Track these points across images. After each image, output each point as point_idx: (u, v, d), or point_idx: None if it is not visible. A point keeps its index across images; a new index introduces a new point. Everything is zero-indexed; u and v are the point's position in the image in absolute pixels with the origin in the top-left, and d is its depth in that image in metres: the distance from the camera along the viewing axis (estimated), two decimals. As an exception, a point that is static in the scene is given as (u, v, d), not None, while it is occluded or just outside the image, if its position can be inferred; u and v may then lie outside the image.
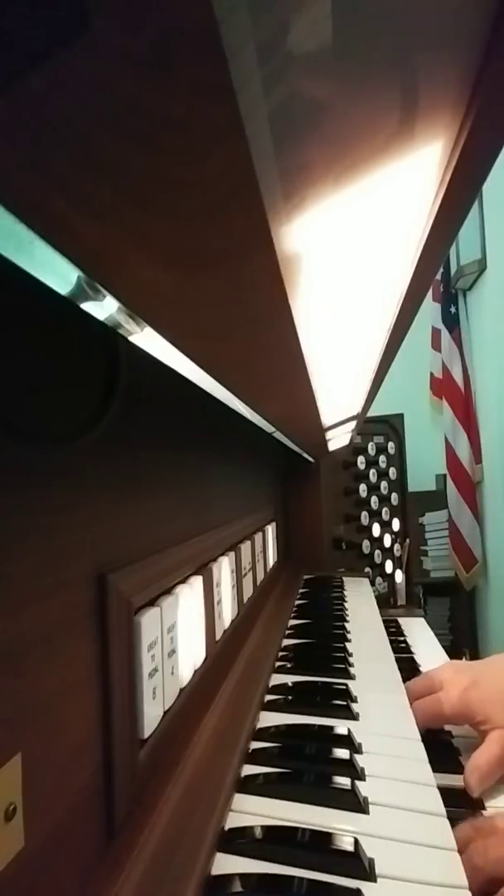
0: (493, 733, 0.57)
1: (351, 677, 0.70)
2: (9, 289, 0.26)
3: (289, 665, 0.74)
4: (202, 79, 0.11)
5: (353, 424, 1.04)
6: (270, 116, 0.13)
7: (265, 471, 1.15)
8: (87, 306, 0.19)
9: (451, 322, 2.41)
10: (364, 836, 0.39)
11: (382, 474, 1.73)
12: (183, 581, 0.50)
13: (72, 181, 0.13)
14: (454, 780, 0.55)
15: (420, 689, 0.65)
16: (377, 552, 1.67)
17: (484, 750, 0.55)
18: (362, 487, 1.62)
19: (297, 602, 1.09)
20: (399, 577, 1.65)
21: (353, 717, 0.58)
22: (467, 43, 0.17)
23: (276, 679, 0.69)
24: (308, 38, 0.12)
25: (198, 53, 0.10)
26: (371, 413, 1.22)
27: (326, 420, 0.78)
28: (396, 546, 1.75)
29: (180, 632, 0.47)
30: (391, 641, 0.88)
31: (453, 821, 0.42)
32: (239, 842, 0.39)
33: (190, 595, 0.50)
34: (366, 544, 1.61)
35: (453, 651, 2.28)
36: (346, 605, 1.07)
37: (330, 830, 0.40)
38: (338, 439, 1.18)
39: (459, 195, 0.27)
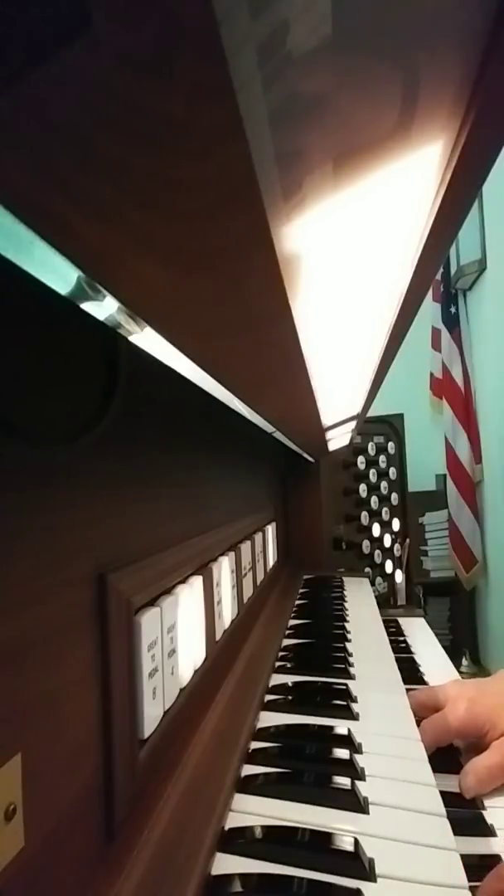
0: (497, 741, 0.56)
1: (351, 677, 0.70)
2: (9, 289, 0.26)
3: (289, 665, 0.74)
4: (202, 79, 0.11)
5: (353, 424, 1.04)
6: (270, 116, 0.13)
7: (265, 471, 1.15)
8: (87, 306, 0.19)
9: (451, 322, 2.41)
10: (364, 836, 0.39)
11: (382, 474, 1.73)
12: (183, 581, 0.50)
13: (72, 181, 0.13)
14: (455, 781, 0.55)
15: (423, 700, 0.63)
16: (377, 552, 1.67)
17: (485, 756, 0.54)
18: (362, 487, 1.62)
19: (297, 602, 1.09)
20: (399, 577, 1.65)
21: (353, 717, 0.58)
22: (467, 42, 0.17)
23: (276, 679, 0.69)
24: (308, 39, 0.12)
25: (198, 53, 0.10)
26: (371, 413, 1.22)
27: (326, 420, 0.78)
28: (396, 546, 1.75)
29: (180, 632, 0.47)
30: (391, 641, 0.88)
31: (453, 821, 0.42)
32: (239, 842, 0.39)
33: (190, 595, 0.50)
34: (366, 544, 1.61)
35: (453, 651, 2.29)
36: (346, 605, 1.07)
37: (330, 830, 0.40)
38: (338, 439, 1.18)
39: (459, 195, 0.27)
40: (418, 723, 0.59)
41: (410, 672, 0.83)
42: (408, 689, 0.67)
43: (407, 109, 0.19)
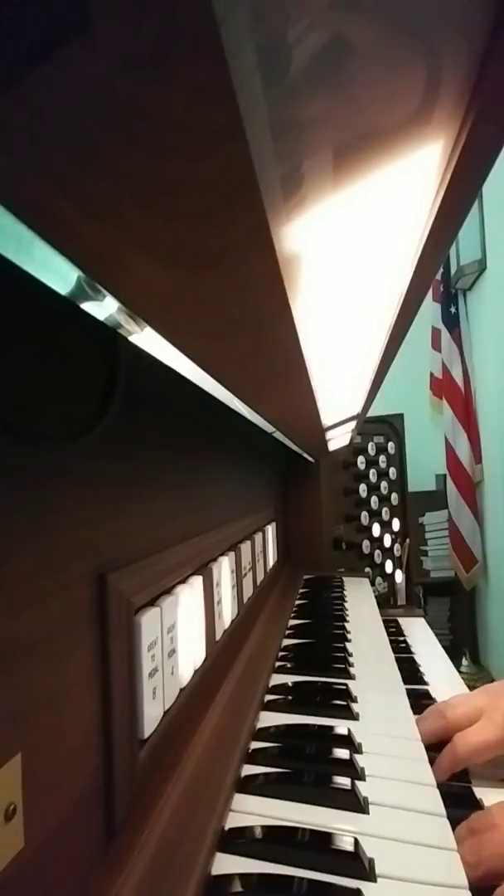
0: None
1: (351, 677, 0.70)
2: (9, 289, 0.26)
3: (289, 665, 0.74)
4: (202, 79, 0.11)
5: (353, 424, 1.04)
6: (270, 116, 0.13)
7: (265, 471, 1.15)
8: (87, 306, 0.19)
9: (451, 322, 2.41)
10: (364, 836, 0.39)
11: (382, 474, 1.73)
12: (183, 581, 0.50)
13: (72, 181, 0.13)
14: (454, 781, 0.55)
15: (469, 714, 0.58)
16: (377, 552, 1.67)
17: None
18: (362, 487, 1.62)
19: (297, 602, 1.09)
20: (399, 577, 1.65)
21: (353, 717, 0.58)
22: (467, 43, 0.17)
23: (276, 679, 0.69)
24: (308, 39, 0.12)
25: (198, 53, 0.10)
26: (371, 413, 1.22)
27: (326, 420, 0.78)
28: (396, 546, 1.75)
29: (180, 632, 0.47)
30: (391, 641, 0.88)
31: (453, 820, 0.42)
32: (239, 842, 0.39)
33: (190, 595, 0.50)
34: (366, 544, 1.61)
35: (453, 651, 2.29)
36: (346, 605, 1.07)
37: (330, 830, 0.40)
38: (338, 439, 1.18)
39: (459, 195, 0.27)
40: (427, 734, 0.57)
41: (410, 672, 0.83)
42: (408, 688, 0.67)
43: (407, 109, 0.19)
